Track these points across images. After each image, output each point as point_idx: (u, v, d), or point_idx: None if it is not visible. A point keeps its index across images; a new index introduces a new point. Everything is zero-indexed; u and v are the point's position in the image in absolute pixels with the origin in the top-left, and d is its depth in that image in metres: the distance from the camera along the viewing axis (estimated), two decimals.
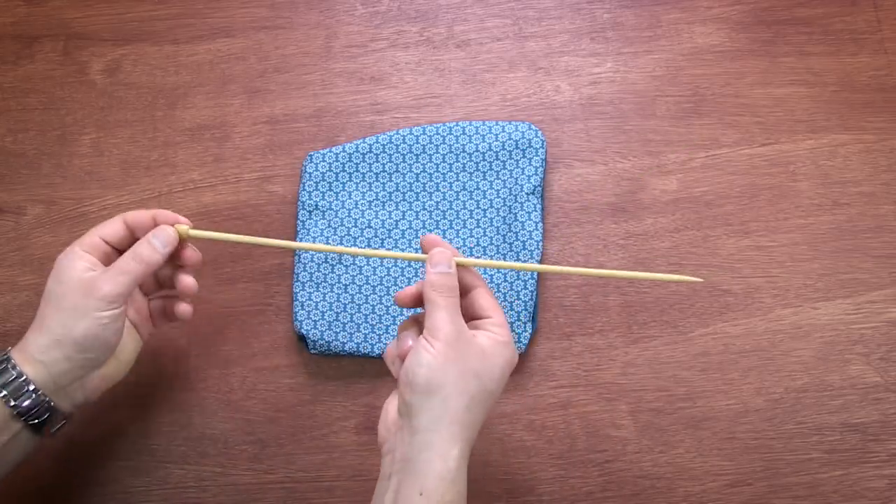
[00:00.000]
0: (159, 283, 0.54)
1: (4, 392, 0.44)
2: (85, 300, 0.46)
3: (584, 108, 0.64)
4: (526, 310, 0.58)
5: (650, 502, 0.55)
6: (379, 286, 0.59)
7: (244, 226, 0.62)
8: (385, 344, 0.58)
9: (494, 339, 0.45)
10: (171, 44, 0.67)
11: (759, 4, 0.66)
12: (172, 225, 0.49)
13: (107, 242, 0.49)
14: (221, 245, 0.61)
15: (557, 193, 0.62)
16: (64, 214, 0.63)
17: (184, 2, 0.68)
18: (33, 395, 0.45)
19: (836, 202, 0.61)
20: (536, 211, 0.60)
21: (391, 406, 0.45)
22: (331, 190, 0.61)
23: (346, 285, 0.59)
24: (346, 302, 0.59)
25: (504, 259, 0.59)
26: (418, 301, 0.47)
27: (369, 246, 0.60)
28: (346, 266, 0.60)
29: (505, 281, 0.58)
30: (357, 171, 0.61)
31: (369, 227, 0.60)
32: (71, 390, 0.47)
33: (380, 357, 0.58)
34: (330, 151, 0.62)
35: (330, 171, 0.61)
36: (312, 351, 0.58)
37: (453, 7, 0.67)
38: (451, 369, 0.42)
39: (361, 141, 0.62)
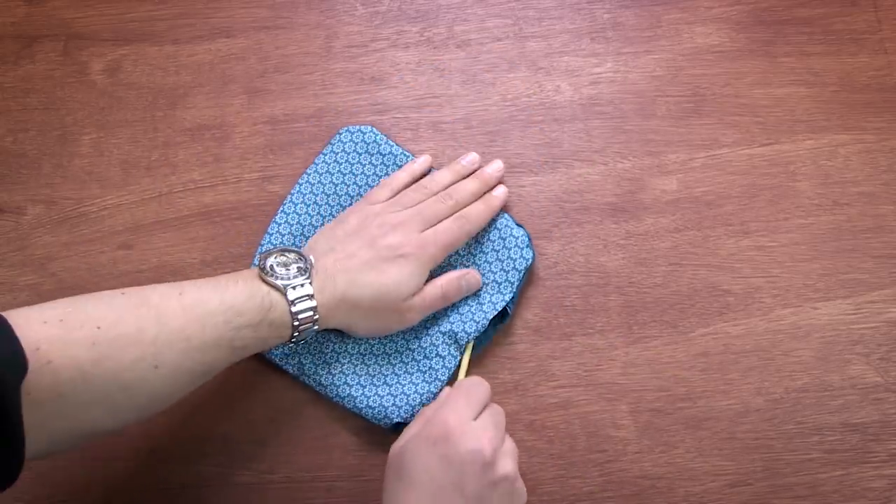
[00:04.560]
0: None
1: (295, 314, 0.49)
2: (389, 316, 0.54)
3: (584, 108, 0.64)
4: (518, 247, 0.59)
5: (650, 502, 0.55)
6: None
7: (245, 226, 0.62)
8: None
9: None
10: (172, 44, 0.67)
11: (759, 4, 0.66)
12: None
13: None
14: (222, 245, 0.61)
15: (557, 193, 0.62)
16: (64, 214, 0.63)
17: (184, 2, 0.68)
18: (310, 323, 0.50)
19: (836, 202, 0.61)
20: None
21: None
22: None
23: None
24: None
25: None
26: None
27: None
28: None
29: (497, 237, 0.59)
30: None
31: None
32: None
33: None
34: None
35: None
36: None
37: (453, 7, 0.67)
38: None
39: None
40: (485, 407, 0.50)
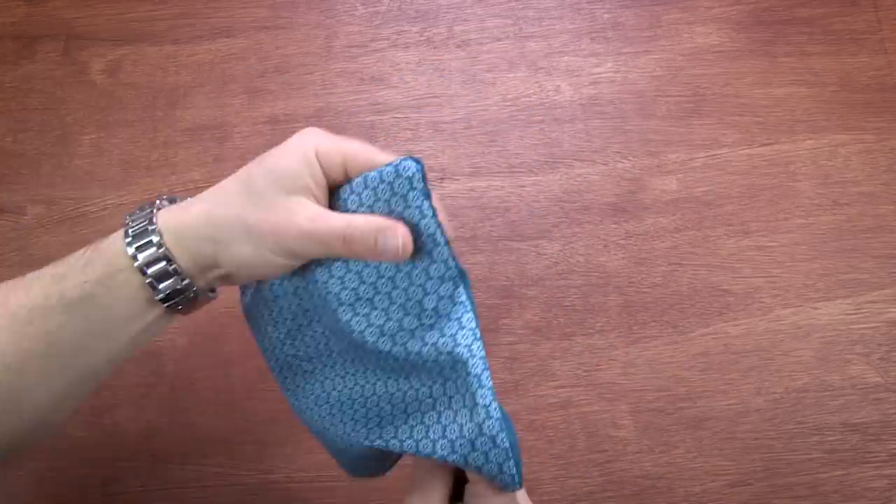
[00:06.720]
0: None
1: (148, 275, 0.37)
2: (269, 231, 0.36)
3: (584, 108, 0.64)
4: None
5: (650, 502, 0.55)
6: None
7: None
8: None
9: None
10: (172, 44, 0.67)
11: (759, 4, 0.66)
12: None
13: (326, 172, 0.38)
14: None
15: (557, 193, 0.62)
16: (64, 214, 0.63)
17: (184, 2, 0.68)
18: (174, 278, 0.37)
19: (836, 202, 0.61)
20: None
21: None
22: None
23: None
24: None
25: None
26: None
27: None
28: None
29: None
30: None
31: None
32: (212, 275, 0.39)
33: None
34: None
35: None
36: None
37: (453, 7, 0.67)
38: None
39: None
40: None
